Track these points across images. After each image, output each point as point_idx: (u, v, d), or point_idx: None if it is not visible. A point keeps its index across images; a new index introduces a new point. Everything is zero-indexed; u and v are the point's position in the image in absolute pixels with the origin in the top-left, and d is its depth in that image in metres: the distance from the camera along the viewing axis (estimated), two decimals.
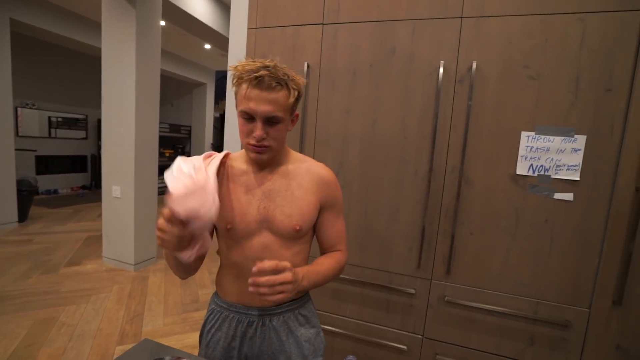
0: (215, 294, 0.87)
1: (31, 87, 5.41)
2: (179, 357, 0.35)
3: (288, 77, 0.69)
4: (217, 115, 8.03)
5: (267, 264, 0.60)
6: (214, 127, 7.94)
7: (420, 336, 1.26)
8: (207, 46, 5.40)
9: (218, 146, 8.03)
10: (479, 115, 1.13)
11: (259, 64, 0.68)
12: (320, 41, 1.30)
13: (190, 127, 7.63)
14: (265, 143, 0.71)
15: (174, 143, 7.61)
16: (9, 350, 1.78)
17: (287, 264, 0.62)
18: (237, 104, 0.72)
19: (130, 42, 2.72)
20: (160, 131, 3.18)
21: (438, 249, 1.21)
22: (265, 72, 0.66)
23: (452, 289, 1.20)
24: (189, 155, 7.48)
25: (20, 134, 5.27)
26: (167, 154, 7.10)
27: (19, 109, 5.24)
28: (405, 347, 1.26)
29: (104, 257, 3.08)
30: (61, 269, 2.87)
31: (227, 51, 1.75)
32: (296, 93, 0.71)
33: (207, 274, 2.99)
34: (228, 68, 0.75)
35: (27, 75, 5.20)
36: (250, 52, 1.41)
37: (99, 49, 2.93)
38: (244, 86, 0.68)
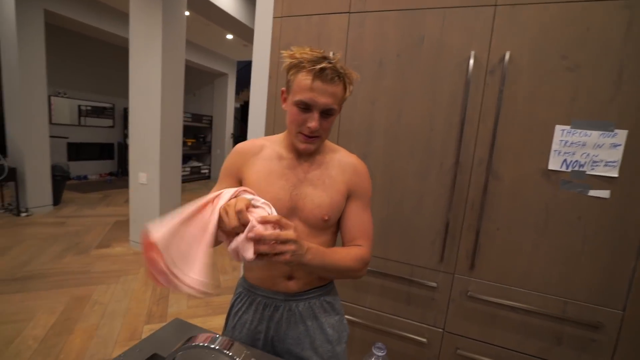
0: (243, 277, 0.88)
1: (62, 76, 5.64)
2: (211, 336, 0.37)
3: (345, 71, 0.70)
4: (238, 105, 8.12)
5: (272, 216, 0.58)
6: (235, 117, 8.04)
7: (441, 330, 1.25)
8: (230, 36, 5.44)
9: (239, 136, 8.15)
10: (511, 107, 1.09)
11: (318, 55, 0.68)
12: (347, 30, 1.28)
13: (211, 117, 7.77)
14: (317, 134, 0.73)
15: (196, 132, 7.78)
16: (50, 322, 1.92)
17: (291, 223, 0.60)
18: (293, 92, 0.71)
19: (156, 32, 2.78)
20: (183, 120, 3.26)
21: (462, 243, 1.19)
22: (329, 64, 0.67)
23: (475, 284, 1.19)
24: (210, 144, 7.55)
25: (52, 122, 5.53)
26: (189, 143, 7.27)
27: (51, 98, 5.49)
28: (425, 340, 1.26)
29: (131, 241, 3.22)
30: (92, 251, 3.03)
31: (249, 41, 1.75)
32: (351, 88, 0.73)
33: (227, 261, 3.08)
34: (280, 54, 0.75)
35: (57, 65, 5.42)
36: (276, 42, 1.41)
37: (126, 39, 3.01)
38: (305, 76, 0.68)
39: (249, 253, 0.53)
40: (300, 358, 0.80)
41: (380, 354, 0.50)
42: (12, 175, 3.72)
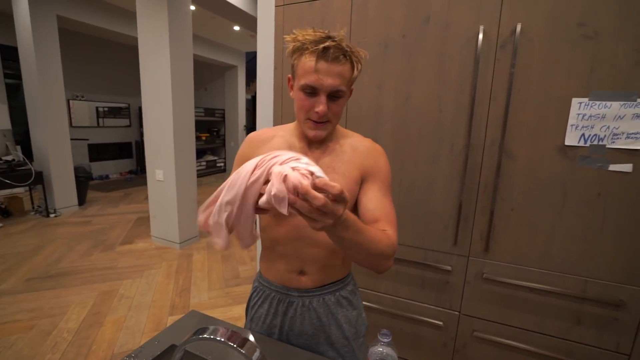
0: (259, 272, 0.88)
1: (79, 79, 5.79)
2: (220, 327, 0.38)
3: (351, 49, 0.65)
4: (249, 97, 8.15)
5: (334, 187, 0.44)
6: (247, 109, 8.08)
7: (457, 313, 1.25)
8: (237, 28, 5.41)
9: (250, 128, 8.20)
10: (523, 82, 1.04)
11: (322, 34, 0.64)
12: (350, 13, 1.25)
13: (223, 110, 7.83)
14: (326, 119, 0.68)
15: (209, 127, 7.88)
16: (82, 316, 2.04)
17: (347, 198, 0.47)
18: (298, 77, 0.67)
19: (163, 29, 2.80)
20: (195, 115, 3.30)
21: (476, 225, 1.17)
22: (332, 43, 0.62)
23: (490, 266, 1.17)
24: (223, 138, 7.64)
25: (73, 124, 5.72)
26: (204, 138, 7.39)
27: (70, 101, 5.67)
28: (441, 323, 1.26)
29: (153, 236, 3.34)
30: (117, 247, 3.17)
31: (255, 31, 1.74)
32: (359, 67, 0.67)
33: (245, 252, 3.15)
34: (283, 39, 0.69)
35: (74, 69, 5.56)
36: (279, 30, 1.39)
37: (136, 39, 3.04)
38: (308, 58, 0.64)
39: (284, 206, 0.44)
40: (316, 353, 0.80)
41: (385, 340, 0.50)
42: (39, 179, 3.90)
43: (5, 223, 3.69)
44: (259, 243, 1.88)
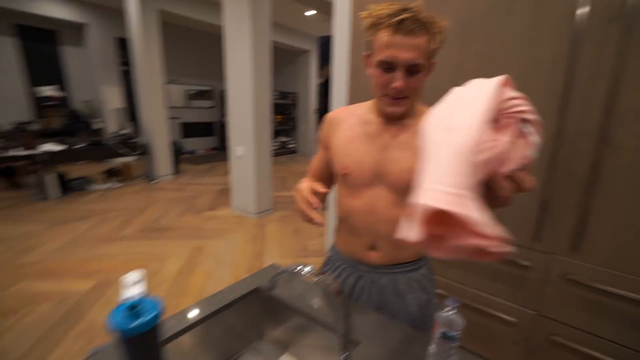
0: (334, 244, 0.91)
1: (172, 65, 6.53)
2: (309, 265, 0.45)
3: (430, 20, 0.62)
4: (323, 80, 8.25)
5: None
6: (319, 93, 8.22)
7: (533, 312, 1.18)
8: (309, 12, 5.48)
9: (322, 111, 8.34)
10: (638, 62, 0.90)
11: (397, 7, 0.62)
12: None
13: (296, 93, 8.10)
14: (404, 94, 0.66)
15: (282, 109, 8.25)
16: (179, 264, 2.47)
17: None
18: (374, 53, 0.66)
19: (246, 16, 2.99)
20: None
21: (563, 221, 1.07)
22: (408, 14, 0.60)
23: (578, 268, 1.07)
24: (295, 120, 7.91)
25: (169, 106, 6.55)
26: (278, 119, 7.79)
27: (166, 85, 6.48)
28: (515, 320, 1.21)
29: (232, 206, 3.74)
30: (204, 212, 3.63)
31: (329, 15, 1.77)
32: (440, 37, 0.64)
33: (314, 228, 3.33)
34: (359, 16, 0.69)
35: (169, 56, 6.28)
36: (356, 10, 1.41)
37: (219, 27, 3.29)
38: (383, 33, 0.63)
39: (508, 168, 0.41)
40: None
41: (453, 305, 0.52)
42: (145, 150, 4.63)
43: (122, 185, 4.51)
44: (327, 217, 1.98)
